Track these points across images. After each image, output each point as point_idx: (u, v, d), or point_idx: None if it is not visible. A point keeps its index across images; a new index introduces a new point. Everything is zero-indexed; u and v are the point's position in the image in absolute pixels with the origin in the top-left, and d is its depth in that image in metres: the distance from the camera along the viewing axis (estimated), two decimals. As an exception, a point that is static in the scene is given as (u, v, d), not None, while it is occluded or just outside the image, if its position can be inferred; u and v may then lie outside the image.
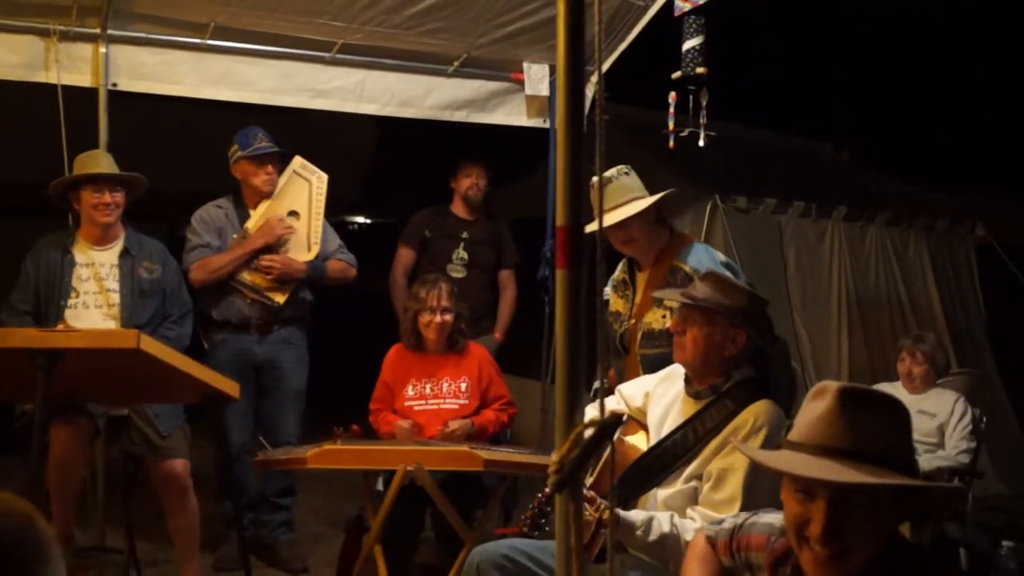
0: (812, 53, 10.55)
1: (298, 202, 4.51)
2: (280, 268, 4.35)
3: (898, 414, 1.69)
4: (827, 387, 1.69)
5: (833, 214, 6.29)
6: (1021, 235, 7.20)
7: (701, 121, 3.52)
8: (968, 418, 4.49)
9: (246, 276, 4.35)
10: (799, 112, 9.44)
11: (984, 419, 4.65)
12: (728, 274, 3.13)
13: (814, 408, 1.68)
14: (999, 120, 10.26)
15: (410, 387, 4.08)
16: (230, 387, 3.26)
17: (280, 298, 4.39)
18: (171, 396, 3.65)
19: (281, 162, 4.48)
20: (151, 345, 2.94)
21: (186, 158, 7.06)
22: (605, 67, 4.96)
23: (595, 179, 3.33)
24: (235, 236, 4.38)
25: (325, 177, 4.55)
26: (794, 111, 9.40)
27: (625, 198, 3.34)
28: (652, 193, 3.40)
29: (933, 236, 6.86)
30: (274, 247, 4.38)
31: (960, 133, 10.42)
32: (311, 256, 4.47)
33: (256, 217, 4.43)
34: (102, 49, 4.30)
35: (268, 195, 4.45)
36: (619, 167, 3.41)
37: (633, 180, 3.41)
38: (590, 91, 5.00)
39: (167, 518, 3.89)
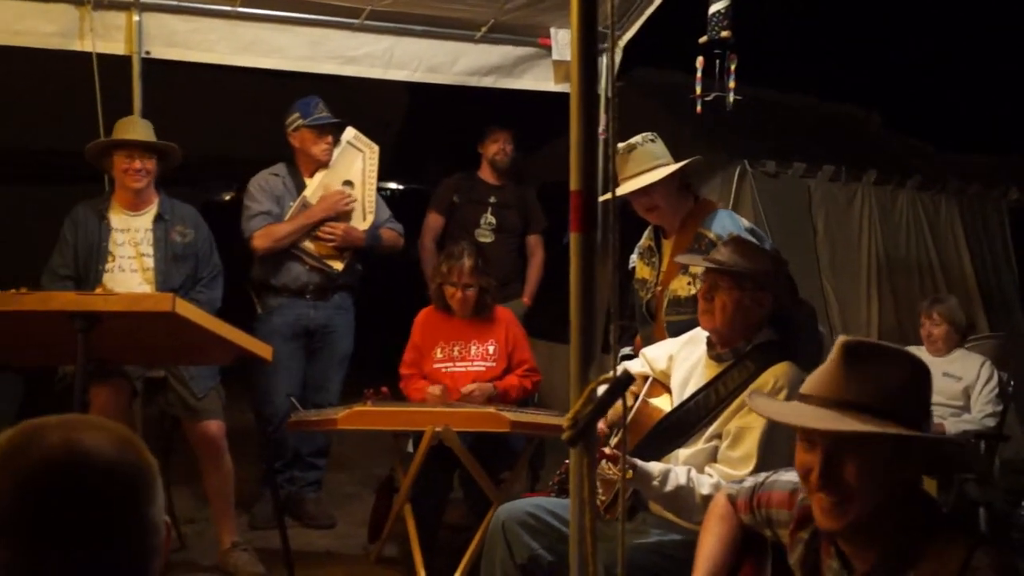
0: (841, 14, 10.40)
1: (352, 172, 4.59)
2: (342, 236, 4.45)
3: (905, 367, 1.71)
4: (839, 343, 1.73)
5: (863, 178, 6.25)
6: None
7: (730, 85, 3.51)
8: (994, 381, 4.49)
9: (308, 244, 4.45)
10: (829, 75, 9.33)
11: (1012, 383, 4.64)
12: (752, 238, 3.15)
13: (825, 362, 1.73)
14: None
15: (439, 350, 4.14)
16: (263, 349, 3.34)
17: (339, 265, 4.50)
18: (205, 358, 3.73)
19: (335, 133, 4.55)
20: (186, 308, 3.01)
21: (220, 125, 7.15)
22: (631, 33, 4.94)
23: (620, 145, 3.37)
24: (292, 204, 4.46)
25: (377, 148, 4.64)
26: (824, 74, 9.29)
27: (649, 165, 3.35)
28: (678, 159, 3.41)
29: (965, 199, 6.80)
30: (334, 216, 4.47)
31: (992, 95, 10.26)
32: (367, 225, 4.56)
33: (313, 186, 4.51)
34: (135, 17, 4.34)
35: (325, 164, 4.53)
36: (644, 134, 3.42)
37: (658, 147, 3.42)
38: (619, 57, 5.01)
39: (203, 477, 4.00)
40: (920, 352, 4.55)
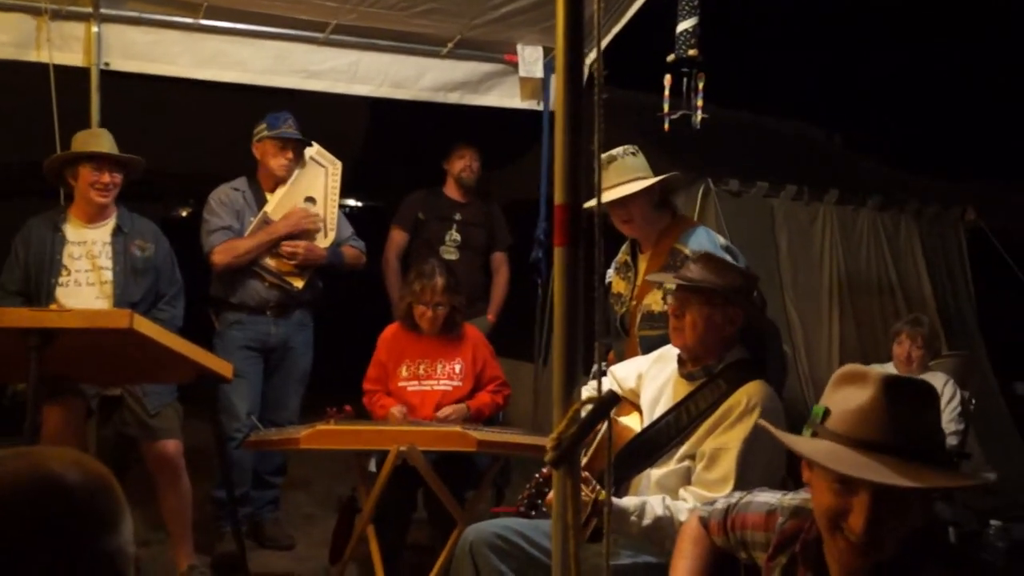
0: (805, 36, 10.55)
1: (314, 188, 4.52)
2: (304, 254, 4.37)
3: (935, 403, 1.68)
4: (866, 375, 1.67)
5: (825, 198, 6.29)
6: (1011, 219, 7.21)
7: (697, 104, 3.50)
8: (957, 400, 4.53)
9: (268, 261, 4.37)
10: (791, 95, 9.44)
11: (973, 401, 4.68)
12: (727, 256, 3.14)
13: (853, 396, 1.66)
14: (990, 105, 10.28)
15: (404, 368, 4.08)
16: (223, 367, 3.26)
17: (299, 283, 4.42)
18: (164, 376, 3.65)
19: (297, 151, 4.47)
20: (144, 325, 2.93)
21: (178, 138, 7.04)
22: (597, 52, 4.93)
23: (602, 155, 3.35)
24: (252, 219, 4.39)
25: (339, 164, 4.57)
26: (787, 94, 9.40)
27: (627, 177, 3.36)
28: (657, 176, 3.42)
29: (924, 220, 6.86)
30: (297, 234, 4.39)
31: (951, 117, 10.44)
32: (328, 242, 4.49)
33: (274, 201, 4.43)
34: (94, 28, 4.27)
35: (283, 180, 4.46)
36: (626, 146, 3.44)
37: (639, 160, 3.44)
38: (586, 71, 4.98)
39: (159, 498, 3.89)
40: (888, 370, 4.58)
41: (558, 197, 1.29)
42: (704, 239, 3.34)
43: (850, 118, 9.46)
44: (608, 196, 3.30)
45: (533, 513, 2.79)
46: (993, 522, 4.06)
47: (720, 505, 2.12)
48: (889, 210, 6.64)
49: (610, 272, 3.65)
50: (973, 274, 7.13)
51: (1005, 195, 7.68)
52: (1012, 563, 3.98)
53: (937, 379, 4.61)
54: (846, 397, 1.67)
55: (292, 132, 4.40)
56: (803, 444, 1.72)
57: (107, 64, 4.34)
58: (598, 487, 2.43)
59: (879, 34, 10.65)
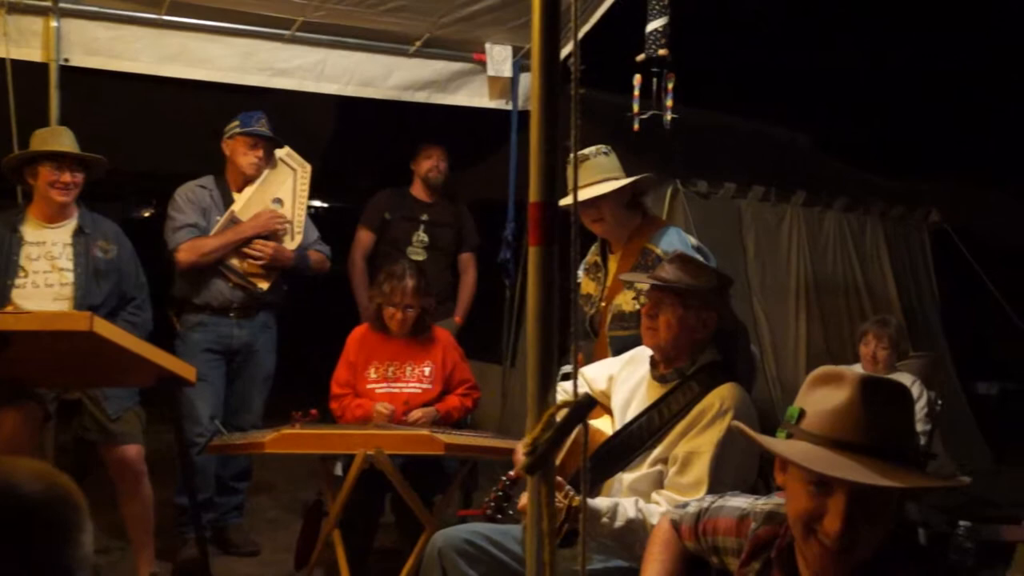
0: (772, 37, 10.60)
1: (282, 190, 4.47)
2: (272, 254, 4.31)
3: (911, 404, 1.67)
4: (842, 375, 1.64)
5: (792, 199, 6.33)
6: (975, 220, 7.30)
7: (667, 103, 3.49)
8: (924, 401, 4.55)
9: (234, 261, 4.30)
10: (759, 97, 9.48)
11: (940, 402, 4.70)
12: (699, 257, 3.12)
13: (829, 397, 1.63)
14: (954, 107, 10.39)
15: (373, 369, 4.03)
16: (186, 371, 3.20)
17: (264, 284, 4.36)
18: (125, 380, 3.57)
19: (267, 150, 4.41)
20: (105, 328, 2.86)
21: (140, 137, 6.93)
22: (568, 47, 4.91)
23: (573, 155, 3.32)
24: (219, 218, 4.32)
25: (309, 167, 4.52)
26: (754, 96, 9.44)
27: (599, 177, 3.33)
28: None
29: (889, 221, 6.94)
30: (264, 235, 4.33)
31: (916, 119, 10.54)
32: (294, 245, 4.44)
33: (242, 201, 4.37)
34: (53, 23, 4.18)
35: (251, 178, 4.39)
36: (598, 146, 3.41)
37: (611, 160, 3.41)
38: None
39: (120, 504, 3.82)
40: (857, 370, 4.59)
41: (533, 195, 1.26)
42: (676, 239, 3.32)
43: (817, 119, 9.52)
44: (580, 196, 3.27)
45: (500, 517, 2.75)
46: (962, 523, 4.07)
47: (692, 509, 2.09)
48: (855, 211, 6.70)
49: (579, 273, 3.62)
50: (936, 274, 7.20)
51: (969, 196, 7.78)
52: (981, 564, 4.00)
53: (904, 379, 4.61)
54: (822, 398, 1.64)
55: (264, 130, 4.34)
56: (779, 445, 1.69)
57: (67, 60, 4.25)
58: (571, 492, 2.39)
59: (846, 35, 10.73)
